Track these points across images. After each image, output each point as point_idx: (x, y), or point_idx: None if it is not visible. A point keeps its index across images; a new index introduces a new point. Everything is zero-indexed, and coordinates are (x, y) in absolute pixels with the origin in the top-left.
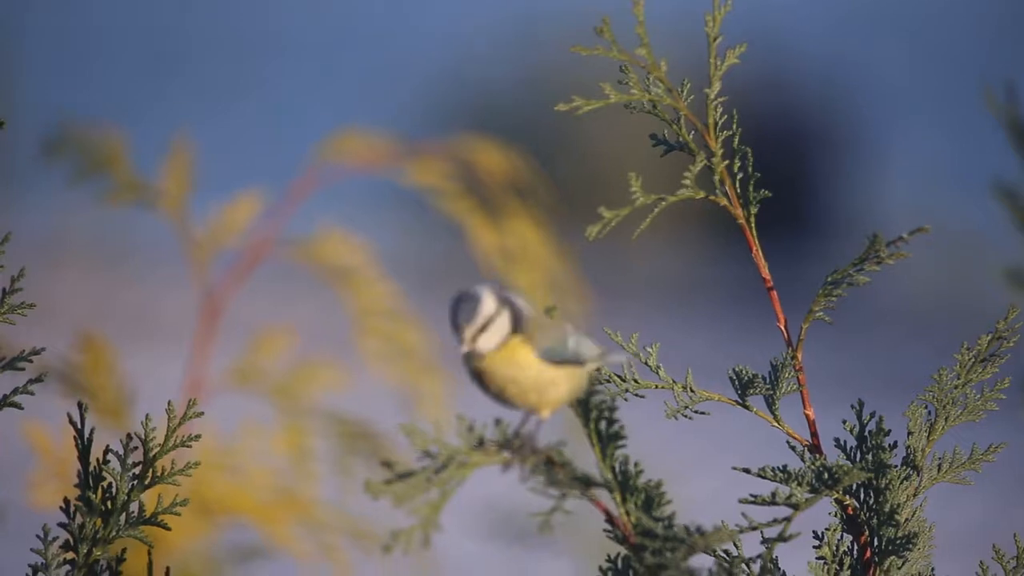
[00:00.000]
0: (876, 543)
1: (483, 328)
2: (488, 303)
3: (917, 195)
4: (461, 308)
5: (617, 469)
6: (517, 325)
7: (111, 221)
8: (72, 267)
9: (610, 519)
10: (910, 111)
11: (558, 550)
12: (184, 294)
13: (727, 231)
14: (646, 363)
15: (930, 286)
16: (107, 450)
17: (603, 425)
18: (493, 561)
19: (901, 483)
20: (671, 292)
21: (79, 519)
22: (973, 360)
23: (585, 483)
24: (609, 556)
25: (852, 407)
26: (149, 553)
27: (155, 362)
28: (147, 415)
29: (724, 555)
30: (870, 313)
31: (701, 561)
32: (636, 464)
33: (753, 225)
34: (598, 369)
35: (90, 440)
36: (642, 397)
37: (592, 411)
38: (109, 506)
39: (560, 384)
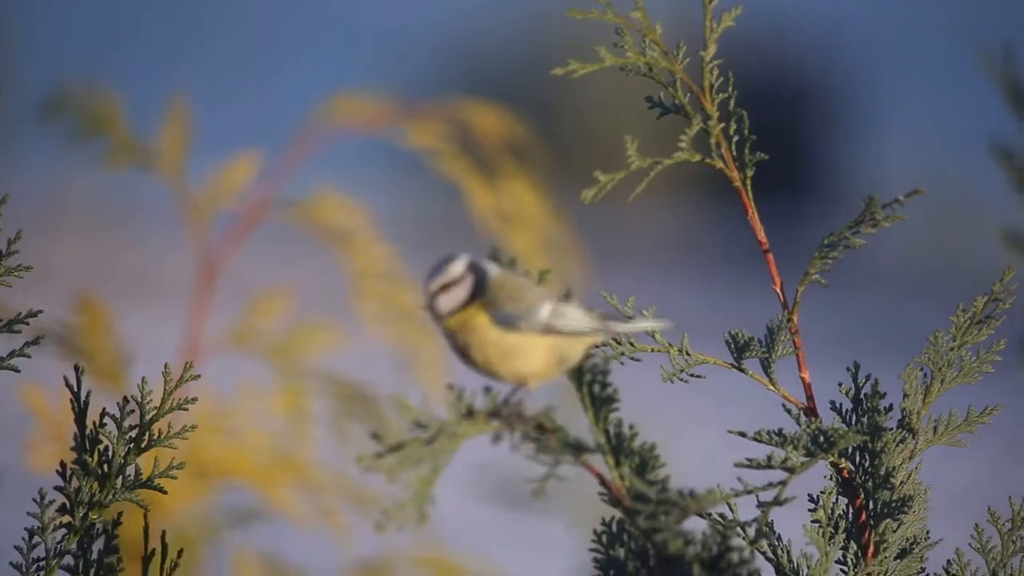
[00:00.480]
0: (871, 506)
1: (443, 288)
2: (457, 267)
3: (915, 156)
4: (431, 270)
5: (611, 432)
6: (478, 292)
7: (109, 183)
8: (69, 229)
9: (603, 483)
10: (908, 72)
11: (555, 514)
12: (182, 256)
13: (724, 191)
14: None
15: (928, 247)
16: (103, 413)
17: (596, 388)
18: (490, 524)
19: (897, 446)
20: (667, 253)
21: (76, 483)
22: (969, 322)
23: (577, 449)
24: (604, 519)
25: (848, 369)
26: (145, 516)
27: (153, 324)
28: (143, 378)
29: (719, 519)
30: (867, 275)
31: (695, 524)
32: (631, 427)
33: (749, 188)
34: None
35: (87, 403)
36: (638, 361)
37: (585, 374)
38: (106, 469)
39: (530, 354)
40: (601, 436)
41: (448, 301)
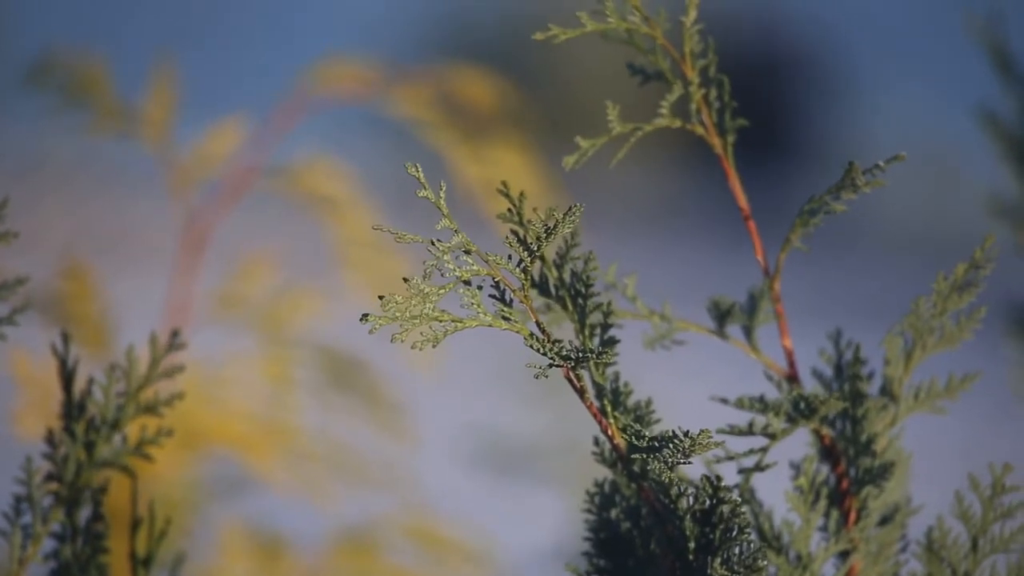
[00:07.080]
0: (853, 473)
1: None
2: None
3: (900, 120)
4: None
5: (607, 387)
6: None
7: (93, 149)
8: (53, 195)
9: (597, 419)
10: (894, 36)
11: (545, 482)
12: (167, 223)
13: (709, 155)
14: (623, 293)
15: (913, 212)
16: (91, 380)
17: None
18: (478, 492)
19: (878, 413)
20: (650, 217)
21: (63, 450)
22: (950, 289)
23: (579, 354)
24: (596, 481)
25: (829, 336)
26: (133, 484)
27: (137, 291)
28: (130, 346)
29: (707, 479)
30: (850, 238)
31: (687, 475)
32: (625, 384)
33: (731, 154)
34: None
35: (74, 370)
36: (620, 327)
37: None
38: (93, 437)
39: None
40: (600, 377)
41: None
